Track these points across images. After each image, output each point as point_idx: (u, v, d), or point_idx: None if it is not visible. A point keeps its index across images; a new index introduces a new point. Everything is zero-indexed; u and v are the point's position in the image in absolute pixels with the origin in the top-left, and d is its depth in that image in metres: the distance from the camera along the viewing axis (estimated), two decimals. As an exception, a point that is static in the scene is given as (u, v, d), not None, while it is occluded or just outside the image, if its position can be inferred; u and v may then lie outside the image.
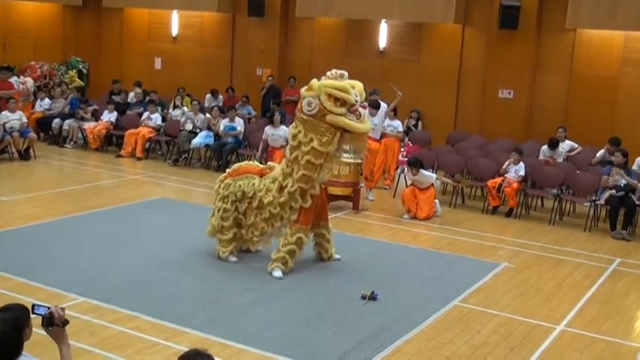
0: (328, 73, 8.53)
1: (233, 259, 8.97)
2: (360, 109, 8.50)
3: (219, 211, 8.92)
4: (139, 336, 6.66)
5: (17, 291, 7.49)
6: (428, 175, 11.99)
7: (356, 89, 8.48)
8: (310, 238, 8.94)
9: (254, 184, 8.74)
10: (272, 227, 8.76)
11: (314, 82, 8.43)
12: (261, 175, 8.87)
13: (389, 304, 7.85)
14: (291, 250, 8.53)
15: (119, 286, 7.87)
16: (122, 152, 15.80)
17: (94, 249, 9.14)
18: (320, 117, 8.27)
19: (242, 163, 9.59)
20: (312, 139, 8.30)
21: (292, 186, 8.44)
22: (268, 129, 14.12)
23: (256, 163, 9.61)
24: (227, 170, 9.27)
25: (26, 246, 9.13)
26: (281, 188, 8.54)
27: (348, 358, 6.46)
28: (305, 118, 8.37)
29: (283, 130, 13.88)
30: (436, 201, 12.06)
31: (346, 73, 8.60)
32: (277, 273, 8.48)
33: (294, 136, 8.46)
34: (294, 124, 8.60)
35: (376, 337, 6.94)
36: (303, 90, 8.54)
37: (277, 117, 14.17)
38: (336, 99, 8.23)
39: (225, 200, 8.87)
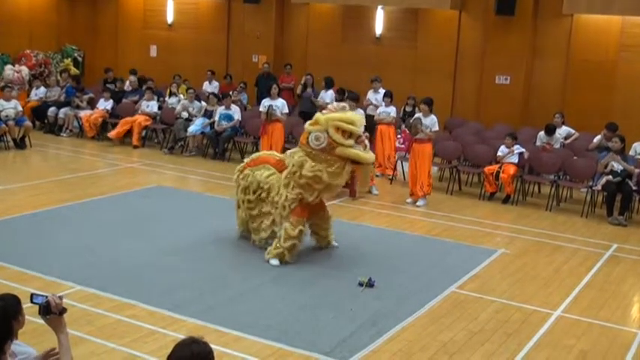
0: (330, 107, 8.73)
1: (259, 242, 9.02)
2: (365, 141, 8.71)
3: (243, 202, 9.00)
4: (136, 324, 6.66)
5: (14, 280, 7.48)
6: (432, 119, 11.92)
7: (359, 122, 8.66)
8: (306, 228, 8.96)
9: (269, 177, 8.78)
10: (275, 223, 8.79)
11: (319, 116, 8.57)
12: (279, 166, 8.87)
13: (386, 290, 7.86)
14: (292, 244, 8.53)
15: (116, 275, 7.87)
16: (110, 134, 15.68)
17: (91, 237, 9.13)
18: (329, 150, 8.38)
19: (260, 153, 9.59)
20: (320, 170, 8.37)
21: (286, 199, 8.55)
22: (266, 101, 14.05)
23: (275, 153, 9.58)
24: (245, 160, 9.32)
25: (22, 235, 9.11)
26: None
27: (346, 344, 6.47)
28: (312, 152, 8.43)
29: (281, 102, 13.86)
30: (434, 168, 12.10)
31: (347, 106, 8.91)
32: (274, 261, 8.49)
33: (300, 164, 8.46)
34: (299, 153, 8.59)
35: (374, 324, 6.95)
36: (307, 125, 8.65)
37: (275, 90, 14.09)
38: (344, 131, 8.37)
39: (247, 191, 8.93)
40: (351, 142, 8.40)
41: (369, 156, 8.65)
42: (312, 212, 8.82)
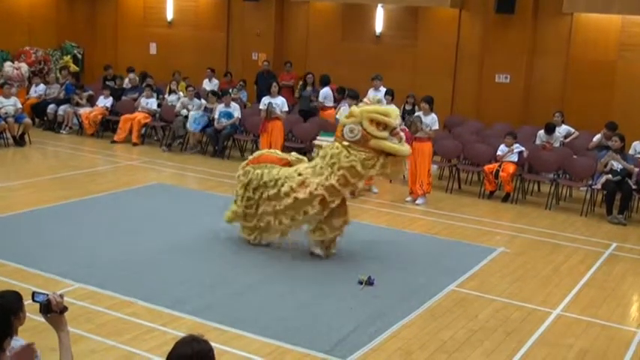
0: (365, 99, 8.77)
1: (264, 242, 9.02)
2: (401, 133, 8.69)
3: (242, 199, 8.94)
4: (136, 322, 6.66)
5: (13, 277, 7.48)
6: (432, 117, 11.94)
7: (395, 114, 8.65)
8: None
9: (275, 173, 8.73)
10: (282, 222, 8.68)
11: (354, 109, 8.60)
12: (285, 164, 8.87)
13: (386, 289, 7.86)
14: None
15: (115, 272, 7.86)
16: (116, 138, 15.73)
17: (90, 235, 9.13)
18: (363, 142, 8.38)
19: (263, 151, 9.56)
20: (354, 161, 8.36)
21: (317, 189, 8.43)
22: (266, 99, 14.04)
23: (278, 152, 9.57)
24: (249, 157, 9.30)
25: (22, 232, 9.11)
26: (303, 184, 8.52)
27: (345, 342, 6.47)
28: (346, 144, 8.45)
29: (281, 100, 13.84)
30: (434, 166, 12.10)
31: (384, 100, 8.78)
32: (317, 251, 8.76)
33: (335, 155, 8.46)
34: (335, 145, 8.58)
35: (373, 322, 6.95)
36: (342, 117, 8.65)
37: (275, 88, 14.08)
38: (378, 123, 8.38)
39: (247, 188, 8.87)
40: (385, 134, 8.40)
41: (405, 148, 8.61)
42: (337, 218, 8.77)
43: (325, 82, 15.95)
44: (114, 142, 15.67)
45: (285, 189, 8.54)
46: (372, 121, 8.36)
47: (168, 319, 6.74)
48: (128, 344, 6.21)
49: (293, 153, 9.39)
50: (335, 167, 8.41)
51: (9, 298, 3.67)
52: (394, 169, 8.81)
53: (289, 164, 8.88)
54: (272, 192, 8.65)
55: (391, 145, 8.40)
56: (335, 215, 8.70)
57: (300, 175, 8.60)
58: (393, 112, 8.64)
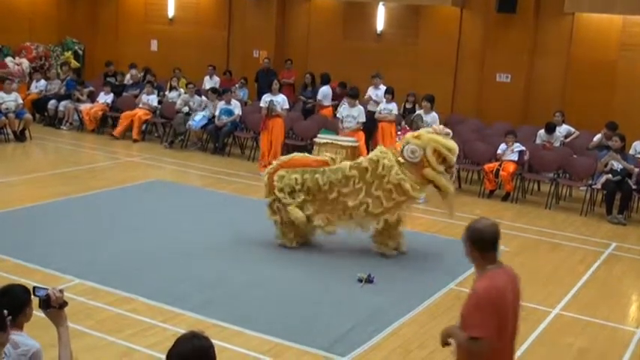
0: (435, 127, 8.93)
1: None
2: (454, 170, 8.92)
3: (277, 201, 8.74)
4: (136, 318, 6.67)
5: (14, 272, 7.48)
6: (433, 116, 11.95)
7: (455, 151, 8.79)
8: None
9: (324, 177, 8.65)
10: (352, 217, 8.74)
11: (423, 132, 8.73)
12: (322, 165, 8.79)
13: (385, 287, 7.86)
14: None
15: (116, 268, 7.87)
16: (115, 132, 15.71)
17: (91, 231, 9.13)
18: (418, 167, 8.50)
19: (293, 155, 9.37)
20: (404, 179, 8.45)
21: (374, 200, 8.54)
22: (267, 96, 14.04)
23: (307, 155, 9.53)
24: (275, 162, 9.19)
25: (22, 227, 9.11)
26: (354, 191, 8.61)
27: (345, 340, 6.48)
28: (402, 162, 8.54)
29: (281, 98, 13.85)
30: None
31: (451, 132, 9.01)
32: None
33: (387, 167, 8.52)
34: (390, 157, 8.61)
35: (373, 320, 6.96)
36: (409, 135, 8.78)
37: (276, 85, 14.08)
38: (440, 155, 8.51)
39: (282, 192, 8.71)
40: (442, 168, 8.57)
41: (451, 187, 8.80)
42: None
43: (325, 80, 15.94)
44: (112, 135, 15.65)
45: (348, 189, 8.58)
46: (435, 151, 8.50)
47: (168, 316, 6.75)
48: (128, 340, 6.22)
49: (326, 153, 9.40)
50: (384, 180, 8.49)
51: (16, 293, 3.67)
52: (449, 208, 8.94)
53: (326, 164, 8.80)
54: (332, 196, 8.63)
55: (443, 180, 8.59)
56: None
57: (348, 178, 8.60)
58: (456, 150, 8.75)
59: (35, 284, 3.80)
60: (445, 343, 4.18)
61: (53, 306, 3.63)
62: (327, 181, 8.64)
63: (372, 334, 6.66)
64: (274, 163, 9.19)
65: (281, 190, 8.71)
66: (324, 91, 15.58)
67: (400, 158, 8.56)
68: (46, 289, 3.64)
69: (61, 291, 3.68)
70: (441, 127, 9.04)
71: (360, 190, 8.57)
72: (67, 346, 3.66)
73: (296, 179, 8.66)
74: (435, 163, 8.50)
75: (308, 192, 8.67)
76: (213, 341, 3.27)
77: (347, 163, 8.79)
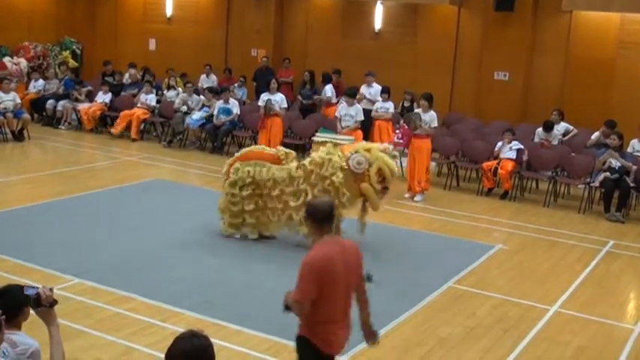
0: (386, 146, 9.18)
1: (237, 235, 9.12)
2: (386, 193, 9.08)
3: (226, 195, 9.03)
4: (135, 317, 6.68)
5: (12, 272, 7.49)
6: (431, 114, 11.94)
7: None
8: None
9: (269, 172, 8.82)
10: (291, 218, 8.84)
11: (374, 147, 8.89)
12: (275, 160, 8.93)
13: (384, 285, 7.84)
14: None
15: (115, 268, 7.88)
16: (114, 130, 15.70)
17: (90, 230, 9.14)
18: (357, 178, 8.62)
19: (252, 148, 9.61)
20: (342, 184, 8.57)
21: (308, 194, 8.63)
22: (264, 95, 14.05)
23: (266, 148, 9.60)
24: (236, 154, 9.36)
25: (21, 227, 9.12)
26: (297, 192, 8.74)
27: (344, 339, 6.48)
28: (345, 168, 8.64)
29: (280, 97, 13.86)
30: (433, 163, 12.13)
31: (397, 155, 9.28)
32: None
33: (331, 164, 8.62)
34: (338, 159, 8.70)
35: (371, 318, 6.95)
36: (361, 146, 8.91)
37: (274, 85, 14.10)
38: (380, 173, 8.67)
39: (234, 185, 8.93)
40: (379, 187, 8.74)
41: (379, 205, 9.02)
42: None
43: (327, 79, 15.92)
44: (111, 134, 15.64)
45: (289, 189, 8.75)
46: (379, 169, 8.64)
47: (167, 315, 6.76)
48: (127, 339, 6.23)
49: (280, 147, 9.46)
50: (326, 182, 8.59)
51: (14, 293, 3.69)
52: (361, 215, 9.07)
53: (279, 160, 8.95)
54: (274, 193, 8.80)
55: (376, 199, 8.79)
56: None
57: (292, 179, 8.76)
58: (396, 173, 9.01)
59: (27, 283, 3.81)
60: (286, 308, 4.58)
61: (44, 305, 3.64)
62: (272, 177, 8.81)
63: (371, 332, 6.66)
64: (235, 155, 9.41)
65: (233, 183, 8.91)
66: (330, 89, 15.51)
67: (344, 164, 8.64)
68: (36, 287, 3.66)
69: (50, 290, 3.70)
70: (390, 147, 9.29)
71: (303, 192, 8.69)
72: (59, 344, 3.67)
73: (248, 172, 8.87)
74: (375, 181, 8.67)
75: (257, 185, 8.85)
76: (213, 340, 3.28)
77: (294, 164, 8.88)
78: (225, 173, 9.16)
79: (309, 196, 8.51)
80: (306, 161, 8.87)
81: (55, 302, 3.68)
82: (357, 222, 9.00)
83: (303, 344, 4.57)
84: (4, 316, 3.41)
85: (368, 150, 8.78)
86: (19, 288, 3.73)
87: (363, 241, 9.44)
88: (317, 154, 8.93)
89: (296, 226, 8.80)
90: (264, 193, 8.87)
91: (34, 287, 3.66)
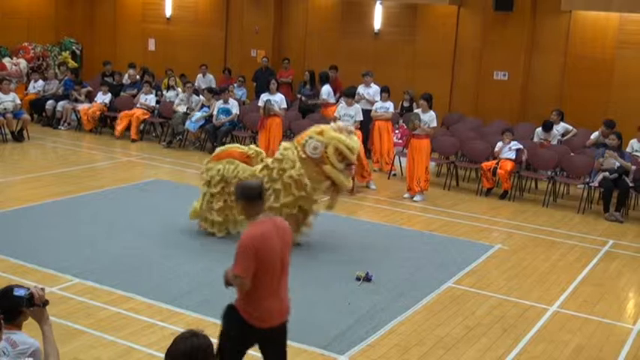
0: (334, 125, 8.91)
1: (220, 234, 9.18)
2: (352, 171, 9.01)
3: (204, 195, 9.13)
4: (135, 317, 6.69)
5: (12, 272, 7.51)
6: (430, 115, 11.91)
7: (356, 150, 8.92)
8: None
9: (233, 169, 8.89)
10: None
11: (327, 129, 8.73)
12: (244, 159, 8.99)
13: (383, 285, 7.89)
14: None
15: (114, 268, 7.89)
16: (116, 132, 15.72)
17: (89, 231, 9.15)
18: (318, 162, 8.55)
19: (226, 146, 9.69)
20: (302, 175, 8.52)
21: (275, 199, 8.62)
22: (264, 96, 14.06)
23: (240, 146, 9.64)
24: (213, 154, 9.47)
25: (21, 227, 9.13)
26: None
27: (343, 338, 6.50)
28: (304, 157, 8.58)
29: (279, 97, 13.87)
30: (432, 163, 12.15)
31: (354, 130, 9.12)
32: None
33: (288, 158, 8.59)
34: (293, 151, 8.68)
35: (371, 318, 6.99)
36: (312, 130, 8.78)
37: (273, 85, 14.11)
38: (340, 154, 8.59)
39: (209, 184, 9.06)
40: (341, 166, 8.66)
41: (348, 183, 9.00)
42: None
43: (325, 79, 15.93)
44: (106, 132, 15.71)
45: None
46: (337, 149, 8.58)
47: (167, 315, 6.77)
48: (127, 339, 6.24)
49: (252, 145, 9.49)
50: (285, 175, 8.56)
51: (10, 294, 3.71)
52: (333, 200, 9.02)
53: (249, 158, 8.99)
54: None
55: (341, 177, 8.69)
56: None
57: (256, 178, 8.69)
58: (356, 148, 8.88)
59: (15, 285, 3.81)
60: (227, 284, 4.78)
61: (37, 304, 3.67)
62: (236, 175, 8.82)
63: (370, 331, 6.69)
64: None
65: (207, 182, 9.05)
66: (327, 90, 15.52)
67: (302, 153, 8.61)
68: (27, 288, 3.69)
69: (42, 289, 3.72)
70: (344, 124, 9.13)
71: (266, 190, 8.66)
72: (52, 343, 3.70)
73: (218, 170, 8.96)
74: (335, 161, 8.59)
75: (225, 183, 8.92)
76: (212, 340, 3.29)
77: (259, 166, 8.87)
78: (200, 174, 9.29)
79: (277, 197, 8.55)
80: (269, 160, 8.88)
81: (47, 302, 3.72)
82: (328, 200, 8.99)
83: (232, 315, 4.78)
84: (1, 316, 3.43)
85: (320, 133, 8.69)
86: (10, 289, 3.75)
87: (362, 241, 9.49)
88: (278, 152, 8.89)
89: None
90: (231, 191, 8.85)
91: (24, 287, 3.69)
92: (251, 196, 4.71)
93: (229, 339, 4.76)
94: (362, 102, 14.35)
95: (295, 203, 8.64)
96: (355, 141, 8.84)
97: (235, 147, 9.55)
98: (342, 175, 8.70)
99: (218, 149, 9.60)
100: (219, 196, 9.00)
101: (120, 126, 15.67)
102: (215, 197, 9.01)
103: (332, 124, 9.18)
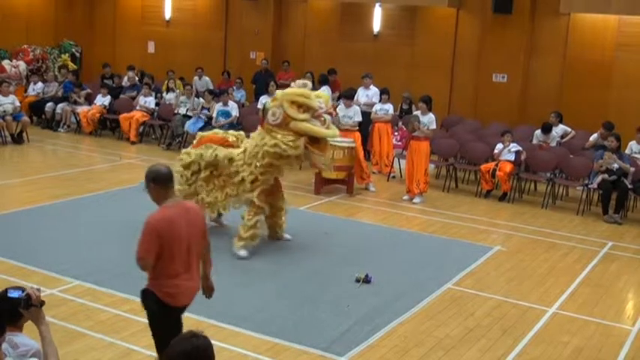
0: (292, 84, 8.80)
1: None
2: (326, 116, 8.71)
3: (181, 176, 9.07)
4: (135, 319, 6.69)
5: (12, 274, 7.51)
6: (430, 117, 11.90)
7: (322, 99, 8.73)
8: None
9: (212, 154, 8.88)
10: (230, 196, 8.88)
11: (279, 92, 8.68)
12: (224, 144, 8.98)
13: (383, 286, 7.90)
14: (252, 234, 8.67)
15: (114, 270, 7.89)
16: (131, 138, 15.70)
17: (89, 233, 9.16)
18: (284, 125, 8.44)
19: (206, 133, 9.66)
20: (277, 144, 8.43)
21: (249, 175, 8.62)
22: (264, 98, 14.08)
23: (218, 131, 9.65)
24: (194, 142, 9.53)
25: (21, 230, 9.13)
26: (236, 172, 8.74)
27: (342, 340, 6.51)
28: (270, 128, 8.53)
29: None
30: (431, 165, 12.19)
31: (309, 83, 8.97)
32: (243, 252, 8.61)
33: (258, 143, 8.58)
34: (258, 134, 8.72)
35: (370, 320, 6.99)
36: (268, 101, 8.74)
37: (273, 87, 14.13)
38: (299, 106, 8.44)
39: (186, 168, 9.06)
40: (306, 116, 8.46)
41: (329, 131, 8.66)
42: (270, 195, 8.90)
43: (324, 80, 15.97)
44: (106, 134, 15.75)
45: (227, 171, 8.79)
46: (292, 103, 8.44)
47: (166, 317, 6.76)
48: (127, 341, 6.25)
49: (231, 131, 9.50)
50: (259, 155, 8.52)
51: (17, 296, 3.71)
52: (318, 155, 8.81)
53: (229, 144, 8.98)
54: (216, 172, 8.90)
55: (310, 126, 8.45)
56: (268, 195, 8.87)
57: (232, 160, 8.74)
58: (314, 94, 8.70)
59: (9, 287, 3.81)
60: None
61: (34, 305, 3.67)
62: (215, 157, 8.82)
63: (370, 333, 6.69)
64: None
65: (187, 166, 9.03)
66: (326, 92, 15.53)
67: (268, 126, 8.54)
68: (23, 289, 3.69)
69: (38, 289, 3.73)
70: (297, 81, 9.02)
71: (240, 169, 8.70)
72: (51, 343, 3.70)
73: (201, 155, 8.95)
74: (296, 114, 8.41)
75: (206, 166, 8.91)
76: (212, 342, 3.30)
77: (239, 150, 8.81)
78: (178, 159, 9.29)
79: (247, 173, 8.58)
80: (244, 147, 8.82)
81: (43, 302, 3.72)
82: (320, 162, 8.96)
83: (148, 297, 5.07)
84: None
85: (274, 99, 8.68)
86: (5, 291, 3.75)
87: (362, 242, 9.50)
88: (250, 142, 8.84)
89: (237, 202, 8.89)
90: (216, 174, 8.94)
91: (19, 289, 3.69)
92: (160, 181, 4.93)
93: (154, 320, 5.04)
94: (363, 105, 14.37)
95: (273, 172, 8.66)
96: (305, 90, 8.64)
97: (215, 132, 9.53)
98: (312, 124, 8.47)
99: (198, 135, 9.62)
100: (207, 180, 8.95)
101: (132, 131, 15.65)
102: (202, 181, 8.97)
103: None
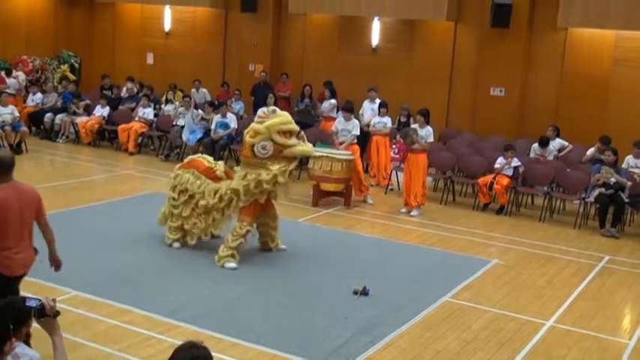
0: (260, 114, 8.99)
1: (176, 245, 9.23)
2: (302, 132, 9.04)
3: (169, 199, 9.29)
4: (133, 329, 6.70)
5: (10, 284, 7.49)
6: (428, 130, 11.94)
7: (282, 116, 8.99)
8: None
9: (197, 184, 9.01)
10: (207, 222, 9.04)
11: (258, 126, 8.76)
12: (208, 174, 9.09)
13: (381, 299, 7.91)
14: (239, 243, 8.73)
15: (112, 280, 7.90)
16: (130, 149, 15.72)
17: (87, 243, 9.16)
18: (276, 155, 8.63)
19: (195, 156, 9.79)
20: (275, 175, 8.57)
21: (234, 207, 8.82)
22: (262, 110, 14.07)
23: (207, 158, 9.65)
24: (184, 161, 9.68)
25: (19, 240, 9.12)
26: (220, 198, 8.85)
27: (340, 352, 6.52)
28: (261, 161, 8.63)
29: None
30: (429, 178, 12.34)
31: (276, 108, 9.17)
32: (231, 264, 8.62)
33: (257, 180, 8.63)
34: (241, 169, 8.82)
35: (368, 332, 7.00)
36: (248, 137, 8.84)
37: (271, 99, 14.15)
38: (285, 133, 8.69)
39: (175, 190, 9.22)
40: (294, 140, 8.75)
41: (310, 147, 9.11)
42: (262, 210, 8.99)
43: (332, 91, 15.90)
44: (104, 145, 15.84)
45: (203, 202, 8.92)
46: (279, 132, 8.66)
47: (164, 328, 6.78)
48: (125, 352, 6.25)
49: (220, 163, 9.54)
50: (257, 190, 8.63)
51: (19, 305, 3.73)
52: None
53: (216, 178, 9.04)
54: (193, 202, 9.05)
55: (302, 149, 8.83)
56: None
57: (215, 192, 8.87)
58: (288, 117, 8.94)
59: (27, 295, 3.86)
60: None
61: (48, 315, 3.69)
62: (202, 191, 8.95)
63: (368, 345, 6.70)
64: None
65: (174, 187, 9.23)
66: (333, 104, 15.43)
67: (258, 160, 8.63)
68: (38, 299, 3.72)
69: (53, 300, 3.75)
70: (265, 109, 9.11)
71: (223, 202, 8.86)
72: (63, 354, 3.72)
73: (188, 179, 9.12)
74: (287, 142, 8.67)
75: (191, 196, 9.07)
76: (213, 353, 3.32)
77: (225, 186, 8.87)
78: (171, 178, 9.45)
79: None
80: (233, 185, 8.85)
81: (58, 313, 3.74)
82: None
83: None
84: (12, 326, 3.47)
85: (257, 133, 8.69)
86: (22, 300, 3.77)
87: (360, 255, 9.52)
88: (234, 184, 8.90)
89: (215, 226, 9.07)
90: (193, 202, 9.07)
91: (35, 298, 3.71)
92: (4, 169, 5.64)
93: None
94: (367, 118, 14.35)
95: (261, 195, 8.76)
96: (285, 116, 8.90)
97: (202, 159, 9.55)
98: (302, 147, 8.80)
99: (188, 158, 9.80)
100: (186, 204, 9.10)
101: (131, 142, 15.68)
102: (183, 206, 9.13)
103: (255, 120, 9.11)
